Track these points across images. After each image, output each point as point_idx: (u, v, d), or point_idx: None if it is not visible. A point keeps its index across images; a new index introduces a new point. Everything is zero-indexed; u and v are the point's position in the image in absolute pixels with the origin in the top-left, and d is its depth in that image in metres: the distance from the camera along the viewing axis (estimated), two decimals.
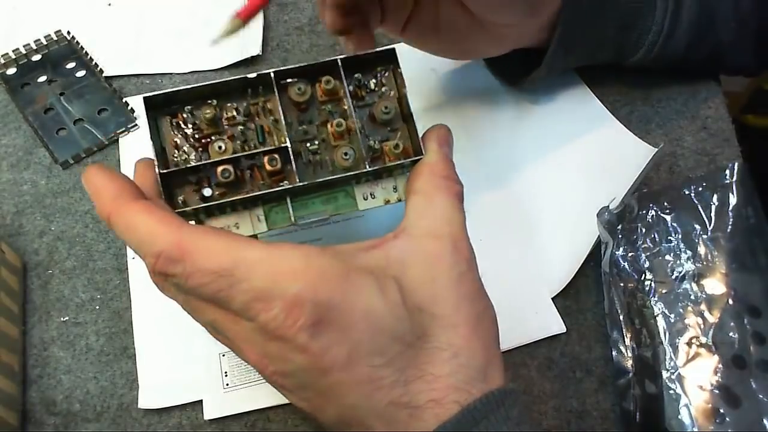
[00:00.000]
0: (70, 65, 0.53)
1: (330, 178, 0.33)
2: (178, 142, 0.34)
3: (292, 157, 0.33)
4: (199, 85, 0.33)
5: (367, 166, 0.33)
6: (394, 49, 0.35)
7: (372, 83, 0.36)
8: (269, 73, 0.34)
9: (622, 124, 0.49)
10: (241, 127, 0.34)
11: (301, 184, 0.33)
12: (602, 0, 0.43)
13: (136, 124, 0.50)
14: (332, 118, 0.35)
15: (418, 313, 0.29)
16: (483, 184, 0.47)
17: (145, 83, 0.53)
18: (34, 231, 0.47)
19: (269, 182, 0.34)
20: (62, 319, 0.44)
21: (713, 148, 0.49)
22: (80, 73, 0.52)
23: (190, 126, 0.34)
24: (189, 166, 0.33)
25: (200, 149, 0.34)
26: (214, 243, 0.28)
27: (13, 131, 0.51)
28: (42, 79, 0.52)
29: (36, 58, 0.53)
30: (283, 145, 0.33)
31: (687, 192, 0.43)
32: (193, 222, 0.33)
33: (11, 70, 0.53)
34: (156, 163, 0.32)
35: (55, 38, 0.54)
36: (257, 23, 0.55)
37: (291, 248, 0.29)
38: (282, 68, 0.34)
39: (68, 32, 0.54)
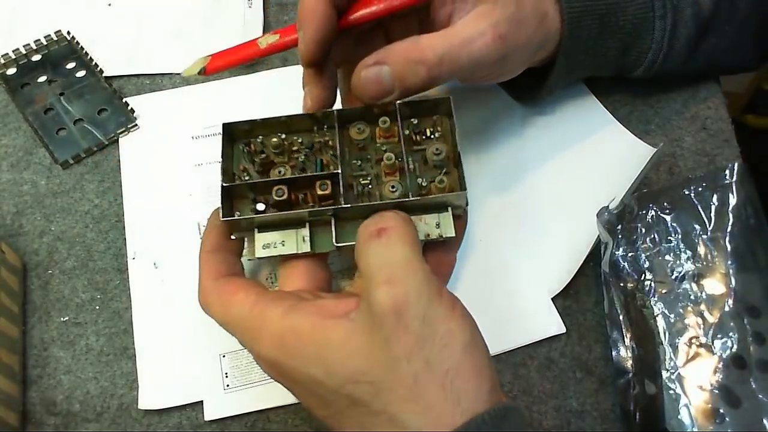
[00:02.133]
0: (70, 65, 0.53)
1: (373, 203, 0.35)
2: (247, 167, 0.38)
3: (341, 183, 0.35)
4: (273, 117, 0.37)
5: (411, 197, 0.35)
6: (449, 99, 0.37)
7: (428, 130, 0.38)
8: (333, 111, 0.37)
9: (621, 124, 0.49)
10: (304, 158, 0.37)
11: (344, 206, 0.35)
12: (602, 27, 0.43)
13: (136, 124, 0.50)
14: (386, 154, 0.37)
15: (350, 385, 0.30)
16: (483, 184, 0.47)
17: (145, 83, 0.53)
18: (34, 231, 0.47)
19: (319, 206, 0.36)
20: (62, 319, 0.44)
21: (713, 148, 0.49)
22: (80, 73, 0.52)
23: (258, 154, 0.37)
24: (248, 182, 0.36)
25: (265, 175, 0.37)
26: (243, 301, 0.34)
27: (13, 131, 0.51)
28: (42, 79, 0.52)
29: (36, 58, 0.53)
30: (335, 171, 0.36)
31: (687, 192, 0.43)
32: (245, 237, 0.37)
33: (11, 70, 0.53)
34: (221, 178, 0.36)
35: (55, 38, 0.54)
36: (257, 23, 0.55)
37: (264, 310, 0.33)
38: (345, 109, 0.38)
39: (68, 32, 0.54)
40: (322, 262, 0.37)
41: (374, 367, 0.29)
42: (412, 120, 0.38)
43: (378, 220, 0.33)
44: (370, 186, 0.37)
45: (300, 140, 0.38)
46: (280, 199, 0.35)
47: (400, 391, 0.29)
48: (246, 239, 0.37)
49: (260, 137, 0.37)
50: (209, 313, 0.35)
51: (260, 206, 0.36)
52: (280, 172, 0.37)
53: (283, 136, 0.37)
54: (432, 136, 0.38)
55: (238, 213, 0.36)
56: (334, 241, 0.35)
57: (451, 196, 0.35)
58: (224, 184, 0.36)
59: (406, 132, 0.38)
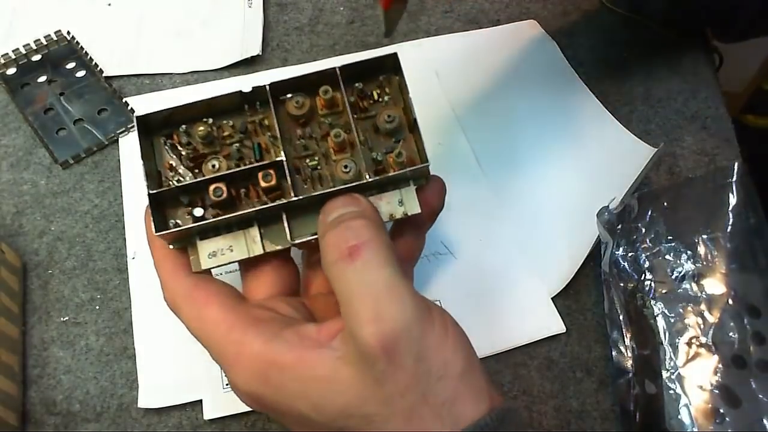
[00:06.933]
0: (70, 65, 0.53)
1: (326, 191, 0.31)
2: (173, 164, 0.32)
3: (287, 171, 0.31)
4: (193, 101, 0.32)
5: (368, 178, 0.31)
6: (396, 54, 0.33)
7: (375, 93, 0.34)
8: (264, 86, 0.32)
9: (621, 124, 0.49)
10: (238, 145, 0.33)
11: (296, 198, 0.31)
12: None
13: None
14: (333, 130, 0.33)
15: (342, 419, 0.28)
16: (483, 184, 0.47)
17: (145, 83, 0.53)
18: (34, 231, 0.47)
19: (266, 201, 0.32)
20: (62, 319, 0.44)
21: (713, 148, 0.49)
22: (80, 73, 0.52)
23: (185, 146, 0.32)
24: (179, 185, 0.31)
25: (196, 170, 0.32)
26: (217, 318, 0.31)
27: (13, 131, 0.51)
28: (42, 79, 0.52)
29: (36, 58, 0.53)
30: (278, 159, 0.31)
31: (687, 192, 0.43)
32: (186, 247, 0.32)
33: (11, 70, 0.53)
34: (146, 183, 0.31)
35: (55, 38, 0.54)
36: (257, 23, 0.55)
37: (241, 333, 0.30)
38: (278, 80, 0.32)
39: (68, 32, 0.54)
40: (285, 257, 0.34)
41: (367, 402, 0.28)
42: (357, 84, 0.33)
43: (345, 233, 0.29)
44: (319, 167, 0.33)
45: (231, 124, 0.33)
46: (220, 199, 0.31)
47: (394, 422, 0.27)
48: (188, 248, 0.32)
49: (183, 126, 0.32)
50: (179, 317, 0.32)
51: (198, 211, 0.31)
52: (213, 166, 0.32)
53: (210, 121, 0.32)
54: (381, 100, 0.34)
55: (173, 221, 0.31)
56: (288, 238, 0.32)
57: (412, 171, 0.32)
58: (151, 191, 0.30)
59: (351, 99, 0.33)
